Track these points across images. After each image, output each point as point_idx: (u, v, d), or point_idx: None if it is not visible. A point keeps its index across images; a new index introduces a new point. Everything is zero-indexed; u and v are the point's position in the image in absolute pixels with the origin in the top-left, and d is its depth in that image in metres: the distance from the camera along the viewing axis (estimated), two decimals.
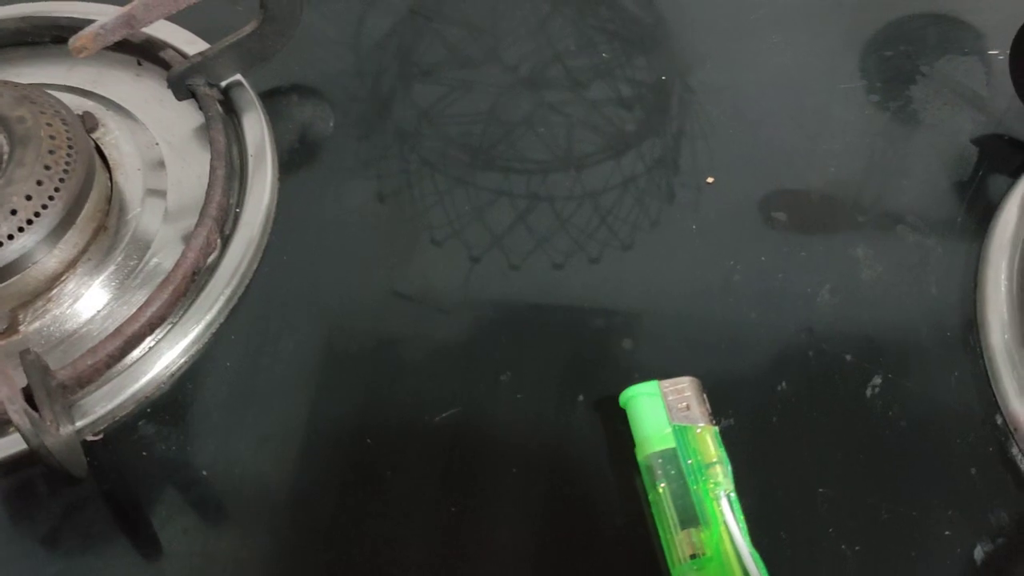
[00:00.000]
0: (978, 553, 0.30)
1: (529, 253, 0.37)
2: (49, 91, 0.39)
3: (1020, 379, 0.33)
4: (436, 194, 0.39)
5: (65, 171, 0.36)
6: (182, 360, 0.35)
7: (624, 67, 0.43)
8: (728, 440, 0.31)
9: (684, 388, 0.32)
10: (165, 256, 0.38)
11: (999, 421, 0.32)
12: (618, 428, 0.32)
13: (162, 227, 0.39)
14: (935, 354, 0.34)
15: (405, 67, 0.44)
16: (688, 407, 0.31)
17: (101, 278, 0.37)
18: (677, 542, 0.29)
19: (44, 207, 0.35)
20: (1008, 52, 0.39)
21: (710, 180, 0.39)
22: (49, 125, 0.36)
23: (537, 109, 0.42)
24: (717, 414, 0.32)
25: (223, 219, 0.37)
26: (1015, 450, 0.32)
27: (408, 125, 0.41)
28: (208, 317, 0.35)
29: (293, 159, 0.41)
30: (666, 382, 0.32)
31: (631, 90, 0.42)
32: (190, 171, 0.40)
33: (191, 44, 0.43)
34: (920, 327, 0.35)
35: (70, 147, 0.36)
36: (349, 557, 0.30)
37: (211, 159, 0.38)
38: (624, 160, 0.40)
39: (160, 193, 0.40)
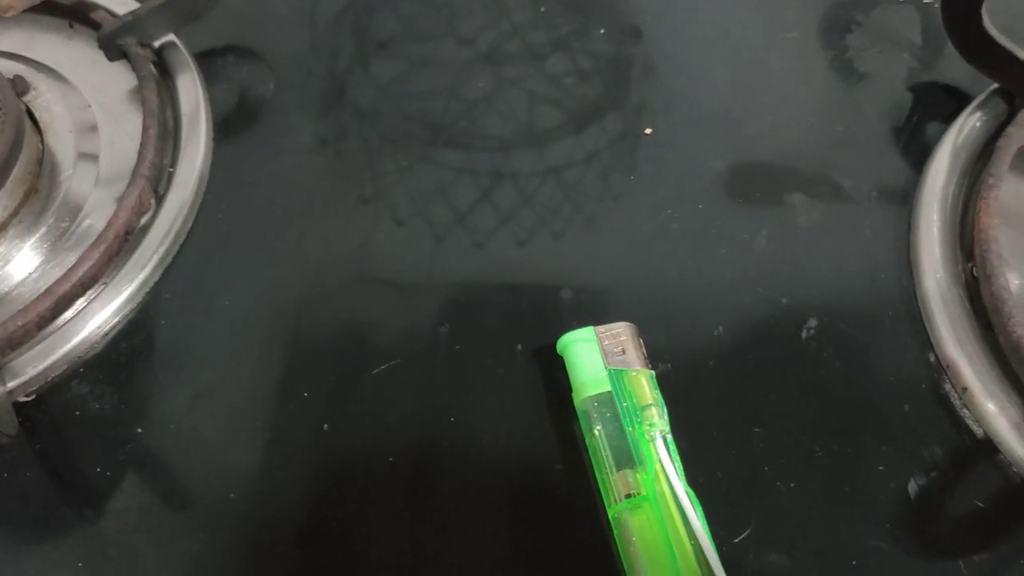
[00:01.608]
0: (912, 487, 0.30)
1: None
2: None
3: (952, 319, 0.33)
4: (397, 172, 0.39)
5: None
6: (115, 320, 0.34)
7: (581, 38, 0.43)
8: (665, 385, 0.31)
9: (620, 333, 0.32)
10: (97, 218, 0.37)
11: (932, 359, 0.33)
12: (557, 377, 0.32)
13: (94, 190, 0.38)
14: (870, 296, 0.34)
15: (361, 43, 0.43)
16: (624, 351, 0.31)
17: (32, 240, 0.36)
18: (612, 483, 0.29)
19: None
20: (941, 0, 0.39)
21: (648, 131, 0.39)
22: None
23: (497, 85, 0.41)
24: (655, 360, 0.32)
25: (156, 179, 0.37)
26: (947, 386, 0.32)
27: (365, 102, 0.41)
28: (142, 276, 0.35)
29: (230, 121, 0.40)
30: (601, 328, 0.32)
31: (590, 62, 0.42)
32: (123, 133, 0.40)
33: (123, 5, 0.42)
34: (855, 270, 0.35)
35: None
36: (281, 508, 0.30)
37: (144, 118, 0.38)
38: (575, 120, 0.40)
39: (92, 156, 0.39)
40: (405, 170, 0.38)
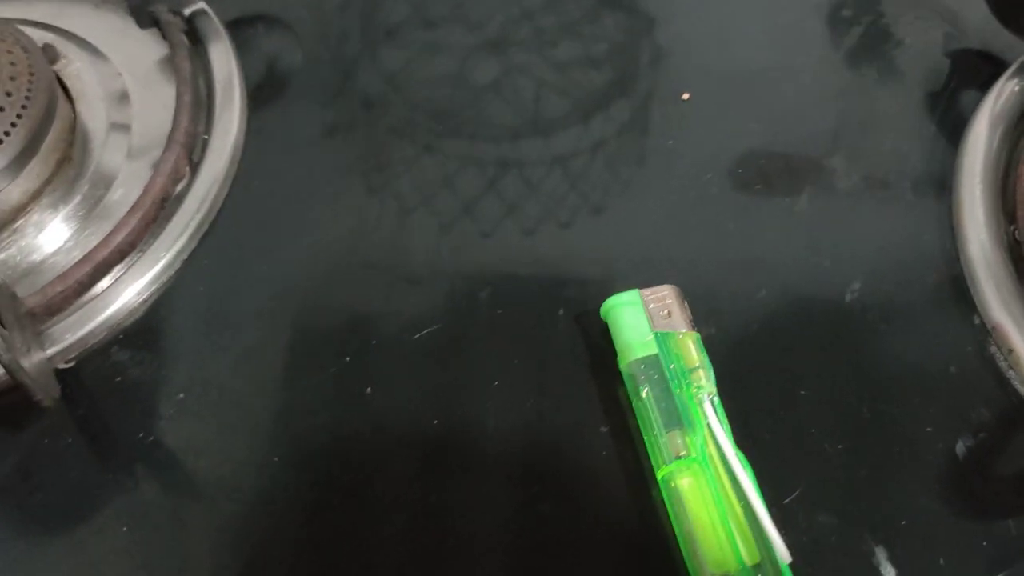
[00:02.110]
0: (959, 448, 0.30)
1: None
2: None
3: (996, 281, 0.33)
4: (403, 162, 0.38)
5: (27, 98, 0.35)
6: (153, 287, 0.34)
7: (593, 22, 0.42)
8: (711, 348, 0.31)
9: (665, 296, 0.32)
10: (131, 188, 0.37)
11: (977, 322, 0.32)
12: (599, 342, 0.32)
13: (126, 160, 0.38)
14: (913, 260, 0.34)
15: (368, 29, 0.43)
16: (669, 314, 0.31)
17: (66, 210, 0.36)
18: (662, 444, 0.29)
19: (6, 134, 0.34)
20: None
21: (686, 96, 0.38)
22: (9, 52, 0.35)
23: (505, 73, 0.41)
24: (699, 324, 0.32)
25: (191, 145, 0.37)
26: (993, 348, 0.32)
27: (373, 90, 0.40)
28: (179, 244, 0.35)
29: (262, 90, 0.40)
30: (647, 290, 0.32)
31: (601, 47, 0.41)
32: (155, 103, 0.39)
33: None
34: (897, 234, 0.35)
35: (31, 74, 0.35)
36: (328, 471, 0.30)
37: (177, 85, 0.38)
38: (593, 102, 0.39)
39: (124, 126, 0.39)
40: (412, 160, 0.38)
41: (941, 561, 0.28)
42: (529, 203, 0.36)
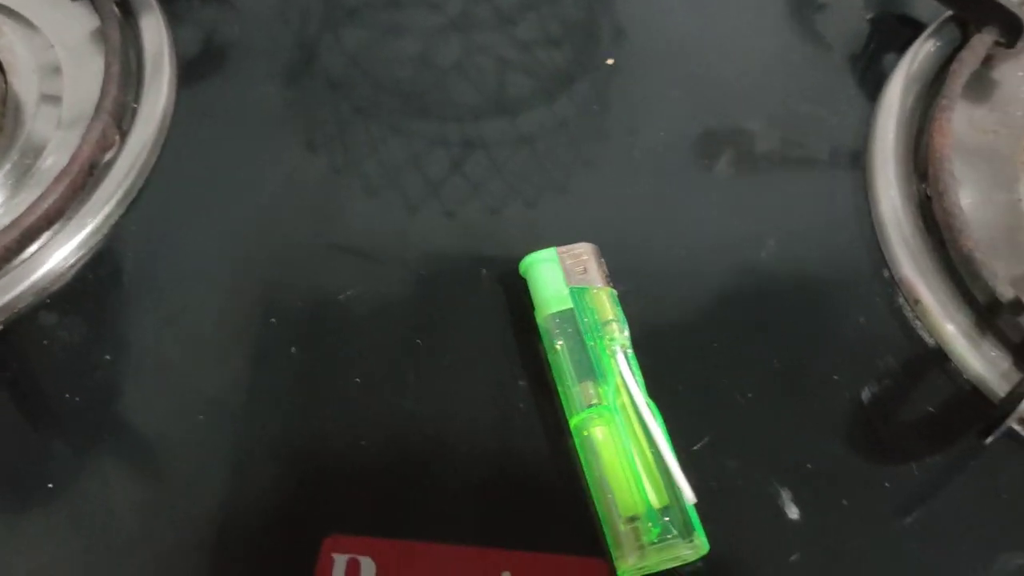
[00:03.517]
0: (865, 395, 0.31)
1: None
2: None
3: (905, 237, 0.34)
4: (369, 143, 0.38)
5: None
6: (81, 252, 0.34)
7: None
8: (628, 304, 0.32)
9: (581, 253, 0.32)
10: (60, 158, 0.37)
11: (886, 275, 0.33)
12: (521, 300, 0.33)
13: (57, 131, 0.38)
14: (827, 217, 0.35)
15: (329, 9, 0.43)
16: (585, 270, 0.32)
17: None
18: (575, 394, 0.30)
19: None
20: None
21: (610, 62, 0.39)
22: None
23: (468, 53, 0.41)
24: (617, 281, 0.32)
25: (120, 114, 0.37)
26: (901, 300, 0.33)
27: (336, 71, 0.41)
28: (106, 210, 0.35)
29: (196, 63, 0.40)
30: (563, 248, 0.32)
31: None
32: (86, 75, 0.40)
33: None
34: (813, 194, 0.36)
35: None
36: (250, 430, 0.30)
37: (106, 55, 0.38)
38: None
39: (55, 98, 0.39)
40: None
41: (844, 502, 0.29)
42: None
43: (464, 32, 0.41)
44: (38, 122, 0.38)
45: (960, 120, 0.37)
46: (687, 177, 0.36)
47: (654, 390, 0.30)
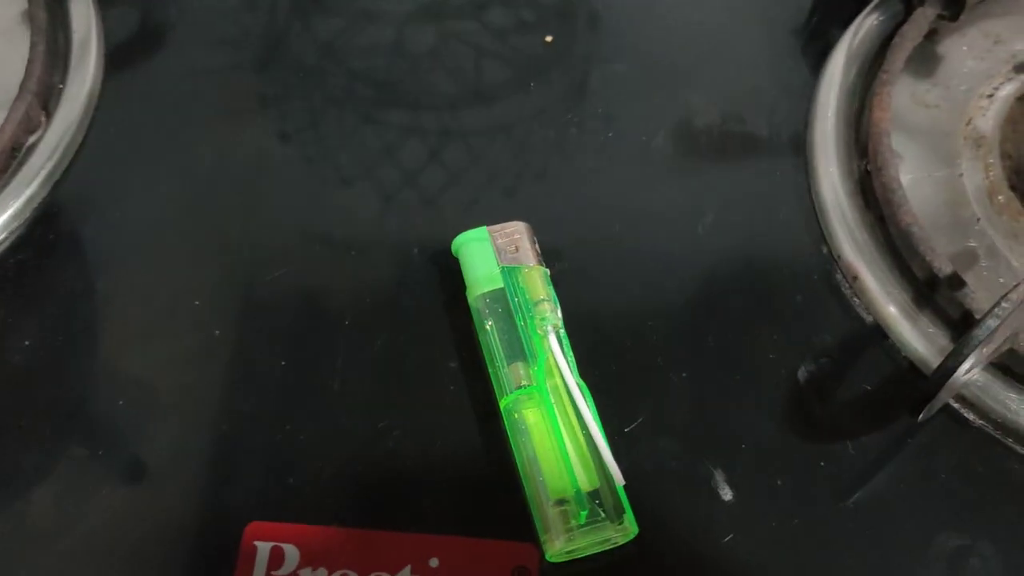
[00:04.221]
0: (801, 373, 0.30)
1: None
2: None
3: (844, 213, 0.33)
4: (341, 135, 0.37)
5: None
6: (3, 234, 0.33)
7: None
8: (562, 283, 0.31)
9: (513, 232, 0.32)
10: None
11: (824, 251, 0.33)
12: (454, 280, 0.32)
13: None
14: (766, 193, 0.34)
15: None
16: (517, 249, 0.31)
17: None
18: (504, 376, 0.29)
19: None
20: None
21: (548, 39, 0.38)
22: None
23: (442, 40, 0.40)
24: (553, 260, 0.32)
25: (45, 95, 0.36)
26: (839, 276, 0.32)
27: (308, 59, 0.39)
28: (28, 192, 0.34)
29: (124, 46, 0.39)
30: (495, 227, 0.32)
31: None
32: (15, 56, 0.38)
33: None
34: (752, 169, 0.35)
35: None
36: (177, 410, 0.30)
37: (31, 35, 0.37)
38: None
39: None
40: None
41: (779, 482, 0.29)
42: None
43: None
44: None
45: (902, 95, 0.36)
46: (624, 152, 0.35)
47: (588, 370, 0.29)
